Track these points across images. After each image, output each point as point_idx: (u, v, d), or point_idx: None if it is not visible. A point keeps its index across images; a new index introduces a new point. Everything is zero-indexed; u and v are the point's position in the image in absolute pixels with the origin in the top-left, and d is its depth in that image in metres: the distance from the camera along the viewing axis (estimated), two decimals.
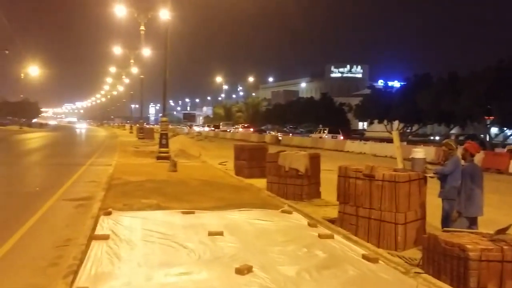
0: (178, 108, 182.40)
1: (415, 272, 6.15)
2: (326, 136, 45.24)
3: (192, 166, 19.75)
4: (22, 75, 77.26)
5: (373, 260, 6.26)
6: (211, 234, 7.29)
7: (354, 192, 8.36)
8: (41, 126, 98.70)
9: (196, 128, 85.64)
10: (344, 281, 5.58)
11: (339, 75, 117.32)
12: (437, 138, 51.35)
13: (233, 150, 17.84)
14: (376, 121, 47.03)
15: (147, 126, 65.86)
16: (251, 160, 16.61)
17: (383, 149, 31.66)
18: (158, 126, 45.30)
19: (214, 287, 5.23)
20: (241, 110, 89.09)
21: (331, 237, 7.41)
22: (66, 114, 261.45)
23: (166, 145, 21.97)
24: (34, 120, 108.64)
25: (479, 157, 21.41)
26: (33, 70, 76.92)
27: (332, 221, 9.13)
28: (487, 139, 35.32)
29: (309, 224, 8.35)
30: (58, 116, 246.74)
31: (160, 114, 29.47)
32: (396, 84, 63.86)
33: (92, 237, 7.06)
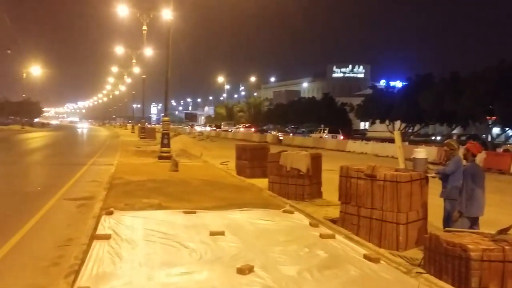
0: (180, 108, 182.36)
1: (417, 272, 6.14)
2: (326, 136, 45.32)
3: (194, 166, 19.76)
4: (24, 74, 77.42)
5: (375, 260, 6.25)
6: (212, 234, 7.30)
7: (356, 192, 8.36)
8: (43, 125, 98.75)
9: (198, 128, 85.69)
10: (345, 281, 5.57)
11: (341, 75, 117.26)
12: (438, 138, 51.33)
13: (235, 150, 17.84)
14: (377, 121, 47.01)
15: (149, 126, 65.88)
16: (252, 160, 16.61)
17: (385, 149, 31.63)
18: (159, 125, 45.39)
19: (215, 287, 5.22)
20: (243, 110, 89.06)
21: (333, 237, 7.40)
22: (68, 113, 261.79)
23: (168, 145, 21.99)
24: (36, 120, 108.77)
25: (480, 157, 21.39)
26: (35, 70, 77.11)
27: (333, 221, 9.13)
28: (489, 139, 35.28)
29: (310, 224, 8.35)
30: (60, 115, 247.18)
31: (162, 114, 29.53)
32: (398, 84, 63.72)
33: (94, 236, 7.06)
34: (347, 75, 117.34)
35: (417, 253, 7.31)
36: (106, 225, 7.80)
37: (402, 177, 7.79)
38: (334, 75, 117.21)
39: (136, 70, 57.14)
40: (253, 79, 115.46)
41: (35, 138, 46.16)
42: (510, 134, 36.65)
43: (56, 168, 18.82)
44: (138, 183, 13.65)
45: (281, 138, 48.94)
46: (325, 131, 47.65)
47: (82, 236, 7.49)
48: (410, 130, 45.64)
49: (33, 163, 21.65)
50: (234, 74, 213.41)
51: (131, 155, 24.69)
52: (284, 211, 9.37)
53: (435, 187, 8.44)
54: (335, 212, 9.56)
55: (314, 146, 38.15)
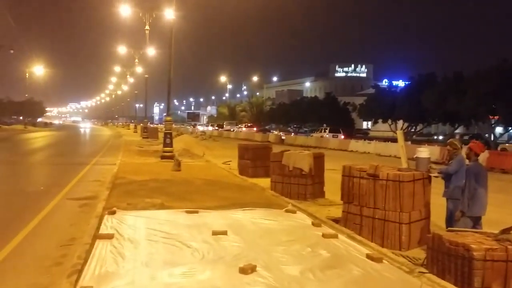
0: (182, 108, 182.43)
1: (419, 272, 6.13)
2: (327, 136, 45.39)
3: (196, 165, 19.77)
4: (27, 74, 77.61)
5: (377, 260, 6.24)
6: (215, 233, 7.30)
7: (358, 191, 8.35)
8: (46, 125, 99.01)
9: (200, 128, 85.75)
10: (348, 280, 5.57)
11: (343, 74, 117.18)
12: (441, 137, 51.24)
13: (237, 150, 17.85)
14: (380, 120, 46.92)
15: (151, 126, 65.93)
16: (255, 160, 16.61)
17: (387, 149, 31.62)
18: (162, 125, 45.44)
19: (218, 287, 5.22)
20: (245, 110, 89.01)
21: (335, 236, 7.40)
22: (71, 113, 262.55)
23: (170, 145, 22.01)
24: (39, 120, 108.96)
25: (483, 157, 21.36)
26: (38, 70, 77.38)
27: (336, 220, 9.12)
28: (492, 138, 35.19)
29: (313, 224, 8.34)
30: (62, 115, 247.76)
31: (164, 114, 29.53)
32: (401, 83, 63.68)
33: (97, 236, 7.07)
34: (349, 74, 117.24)
35: (419, 253, 7.30)
36: (108, 224, 7.80)
37: (404, 177, 7.78)
38: (337, 74, 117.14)
39: (139, 69, 57.36)
40: (255, 78, 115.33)
41: (38, 137, 46.25)
42: None
43: (58, 168, 18.86)
44: (141, 182, 13.67)
45: (283, 137, 48.98)
46: (326, 130, 47.77)
47: (84, 235, 7.50)
48: (412, 130, 45.53)
49: (36, 163, 21.70)
50: (237, 74, 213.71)
51: (134, 154, 24.72)
52: (287, 211, 9.36)
53: (438, 186, 8.44)
54: (337, 212, 9.55)
55: (317, 145, 38.14)
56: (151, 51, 44.48)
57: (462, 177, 7.46)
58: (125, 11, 33.69)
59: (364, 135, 55.29)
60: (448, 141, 8.55)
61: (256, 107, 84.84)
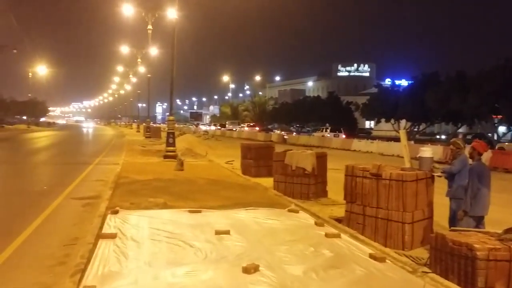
0: (185, 107, 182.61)
1: (423, 272, 6.13)
2: (328, 135, 45.42)
3: (199, 165, 19.79)
4: (30, 74, 77.80)
5: (380, 260, 6.23)
6: (218, 233, 7.29)
7: (361, 191, 8.34)
8: (49, 125, 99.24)
9: (203, 127, 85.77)
10: (351, 280, 5.56)
11: (346, 74, 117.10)
12: (444, 137, 51.13)
13: (240, 149, 17.84)
14: (383, 120, 46.85)
15: (154, 125, 65.99)
16: (258, 159, 16.60)
17: (390, 148, 31.57)
18: (165, 125, 45.45)
19: (221, 286, 5.22)
20: (248, 109, 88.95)
21: (338, 236, 7.38)
22: (74, 113, 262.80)
23: (173, 144, 22.04)
24: (42, 119, 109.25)
25: (486, 156, 21.32)
26: (41, 69, 77.51)
27: (339, 220, 9.11)
28: (495, 138, 35.13)
29: (316, 223, 8.33)
30: (65, 115, 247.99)
31: (167, 113, 29.56)
32: (404, 82, 63.54)
33: (100, 235, 7.07)
34: (352, 74, 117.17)
35: (423, 253, 7.29)
36: (111, 224, 7.81)
37: (407, 176, 7.77)
38: (339, 74, 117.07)
39: (142, 69, 57.36)
40: (258, 78, 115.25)
41: (41, 137, 46.37)
42: None
43: (62, 168, 18.90)
44: (144, 182, 13.68)
45: (285, 137, 49.00)
46: (327, 130, 47.83)
47: (88, 235, 7.52)
48: (415, 129, 45.45)
49: (39, 163, 21.75)
50: (239, 73, 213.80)
51: (137, 154, 24.76)
52: (290, 210, 9.35)
53: (441, 186, 8.42)
54: (340, 211, 9.54)
55: (319, 145, 38.13)
56: (153, 51, 44.51)
57: (465, 177, 7.45)
58: (127, 11, 33.72)
59: (367, 134, 55.17)
60: (451, 140, 8.53)
61: (259, 107, 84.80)
